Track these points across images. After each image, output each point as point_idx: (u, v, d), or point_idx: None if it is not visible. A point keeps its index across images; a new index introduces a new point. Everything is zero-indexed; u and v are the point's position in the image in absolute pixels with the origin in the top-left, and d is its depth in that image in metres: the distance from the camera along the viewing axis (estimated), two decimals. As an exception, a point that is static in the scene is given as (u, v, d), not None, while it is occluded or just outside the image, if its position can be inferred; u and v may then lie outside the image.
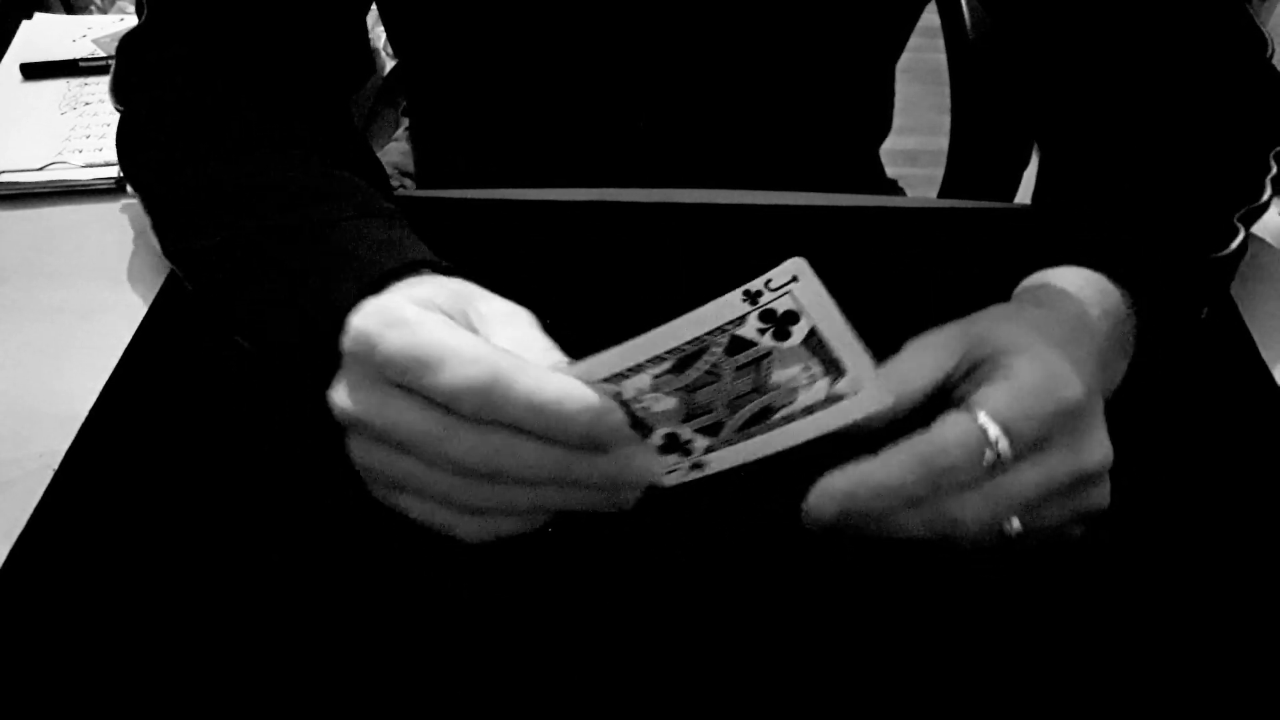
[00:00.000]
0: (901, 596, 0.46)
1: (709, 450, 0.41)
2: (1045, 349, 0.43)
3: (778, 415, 0.40)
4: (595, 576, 0.47)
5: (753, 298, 0.36)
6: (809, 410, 0.39)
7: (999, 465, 0.40)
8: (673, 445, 0.41)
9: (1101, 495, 0.43)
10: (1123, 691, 0.43)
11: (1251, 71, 0.60)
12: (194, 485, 0.50)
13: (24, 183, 0.69)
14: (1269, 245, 0.65)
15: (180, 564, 0.47)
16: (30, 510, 0.49)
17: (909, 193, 0.95)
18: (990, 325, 0.44)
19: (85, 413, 0.54)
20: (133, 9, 0.65)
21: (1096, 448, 0.42)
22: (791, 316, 0.37)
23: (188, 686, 0.43)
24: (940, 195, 1.02)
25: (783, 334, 0.37)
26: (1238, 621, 0.46)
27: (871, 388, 0.39)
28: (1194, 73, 0.60)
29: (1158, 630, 0.45)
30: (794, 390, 0.39)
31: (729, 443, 0.41)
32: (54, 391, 0.56)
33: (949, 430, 0.41)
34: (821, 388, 0.39)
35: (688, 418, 0.40)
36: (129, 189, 0.61)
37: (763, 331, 0.37)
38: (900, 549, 0.44)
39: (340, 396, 0.41)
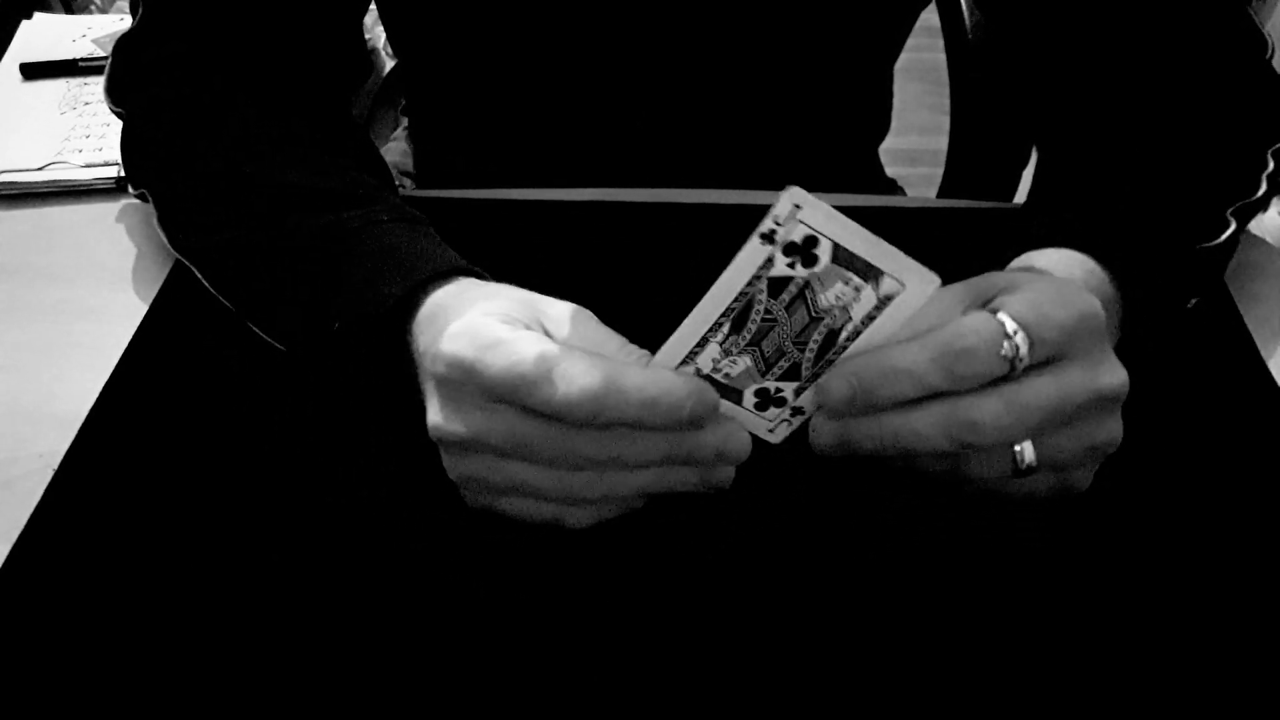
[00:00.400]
0: (902, 597, 0.46)
1: (799, 392, 0.43)
2: (1053, 277, 0.44)
3: (843, 336, 0.41)
4: (599, 579, 0.47)
5: (769, 237, 0.38)
6: (869, 319, 0.41)
7: (1017, 363, 0.41)
8: (766, 400, 0.43)
9: (1114, 427, 0.44)
10: (1120, 691, 0.43)
11: (1251, 72, 0.60)
12: (194, 485, 0.50)
13: (24, 183, 0.69)
14: (1269, 245, 0.65)
15: (180, 564, 0.47)
16: (30, 510, 0.49)
17: (908, 193, 0.95)
18: (1003, 274, 0.46)
19: (85, 413, 0.54)
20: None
21: (1113, 369, 0.43)
22: (811, 241, 0.38)
23: (188, 686, 0.43)
24: (939, 195, 1.02)
25: (810, 259, 0.39)
26: (1237, 621, 0.46)
27: (915, 277, 0.40)
28: (1193, 73, 0.60)
29: (1156, 629, 0.45)
30: (846, 308, 0.40)
31: (814, 378, 0.43)
32: (54, 391, 0.56)
33: (967, 321, 0.41)
34: (870, 296, 0.40)
35: (766, 370, 0.42)
36: (129, 189, 0.61)
37: (792, 264, 0.39)
38: (906, 527, 0.44)
39: (444, 421, 0.43)
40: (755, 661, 0.44)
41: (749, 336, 0.41)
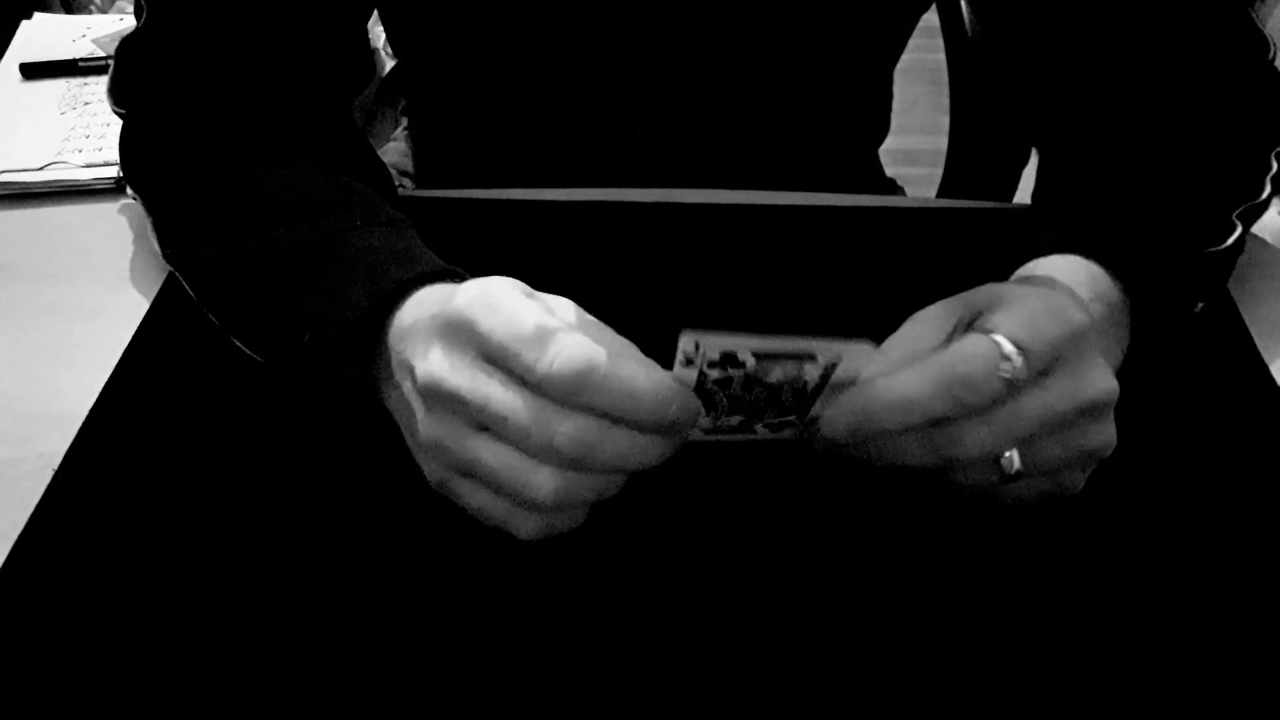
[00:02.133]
0: (903, 598, 0.46)
1: (805, 421, 0.44)
2: (1043, 289, 0.44)
3: (811, 388, 0.42)
4: (597, 580, 0.47)
5: (689, 360, 0.39)
6: (826, 376, 0.41)
7: (1015, 384, 0.41)
8: (778, 428, 0.44)
9: (1104, 434, 0.43)
10: (1122, 692, 0.43)
11: (1252, 73, 0.60)
12: (194, 485, 0.50)
13: (24, 182, 0.69)
14: (1269, 245, 0.65)
15: (180, 564, 0.47)
16: (30, 510, 0.49)
17: (909, 193, 0.95)
18: (985, 289, 0.46)
19: (85, 413, 0.54)
20: (132, 9, 0.65)
21: (1100, 378, 0.43)
22: (730, 355, 0.39)
23: (188, 686, 0.43)
24: (939, 195, 1.02)
25: (738, 363, 0.39)
26: (1237, 621, 0.46)
27: (846, 351, 0.40)
28: (1194, 75, 0.60)
29: (1156, 630, 0.45)
30: (799, 377, 0.41)
31: (808, 411, 0.43)
32: (54, 391, 0.56)
33: (964, 347, 0.41)
34: (813, 368, 0.40)
35: (760, 419, 0.43)
36: (129, 191, 0.61)
37: (724, 373, 0.40)
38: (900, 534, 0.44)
39: (434, 367, 0.42)
40: (754, 662, 0.44)
41: (725, 409, 0.41)
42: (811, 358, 0.40)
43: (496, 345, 0.40)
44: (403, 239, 0.52)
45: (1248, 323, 0.59)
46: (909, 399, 0.40)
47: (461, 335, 0.41)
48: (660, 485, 0.47)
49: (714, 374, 0.39)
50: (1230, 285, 0.60)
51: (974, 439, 0.41)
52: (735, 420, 0.42)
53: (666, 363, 0.41)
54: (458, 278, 0.48)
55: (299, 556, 0.48)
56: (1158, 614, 0.46)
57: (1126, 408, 0.45)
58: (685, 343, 0.39)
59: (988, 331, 0.41)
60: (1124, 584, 0.47)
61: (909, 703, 0.43)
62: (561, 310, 0.43)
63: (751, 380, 0.40)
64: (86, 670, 0.44)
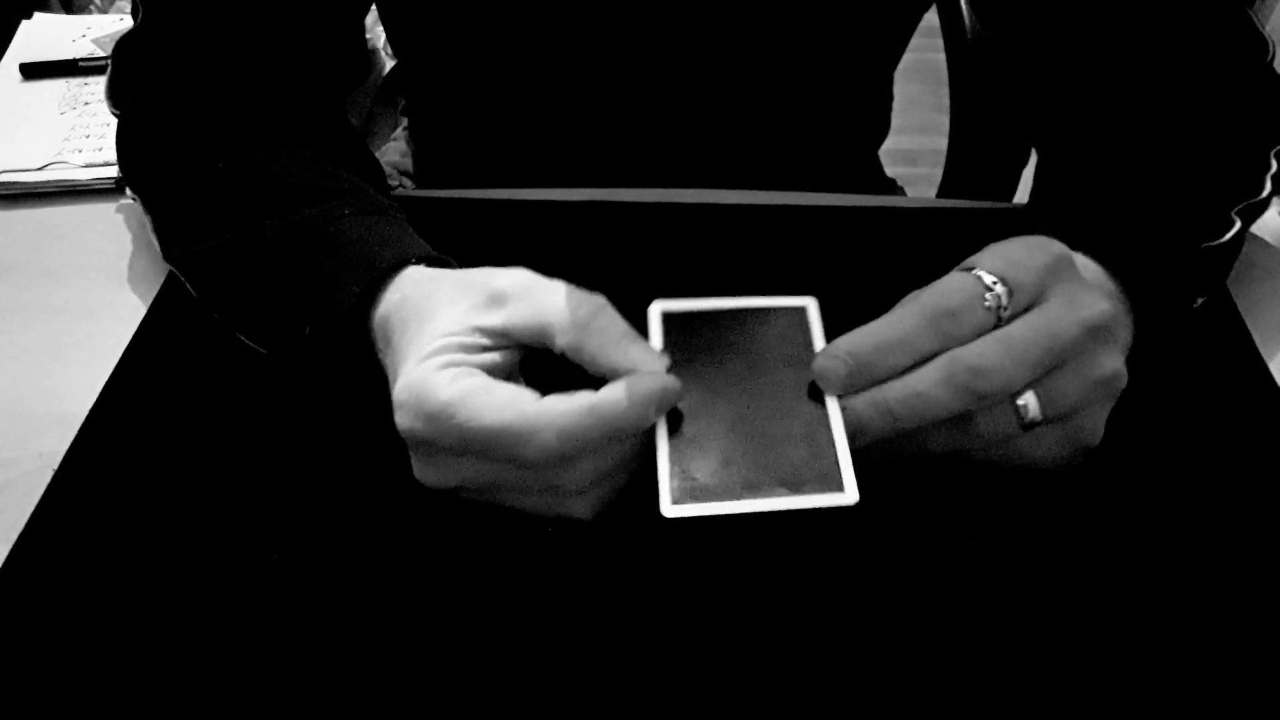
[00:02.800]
0: (902, 598, 0.46)
1: None
2: (1022, 237, 0.46)
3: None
4: (596, 579, 0.47)
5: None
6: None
7: (1001, 312, 0.42)
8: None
9: (1112, 361, 0.44)
10: (1121, 692, 0.43)
11: (1252, 73, 0.60)
12: (194, 485, 0.50)
13: (24, 182, 0.69)
14: (1269, 245, 0.65)
15: (180, 564, 0.47)
16: (30, 510, 0.49)
17: (909, 192, 0.95)
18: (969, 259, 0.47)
19: (85, 413, 0.54)
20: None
21: (1094, 300, 0.43)
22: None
23: (188, 686, 0.43)
24: (939, 195, 1.02)
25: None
26: (1238, 621, 0.46)
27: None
28: (1194, 75, 0.60)
29: (1156, 630, 0.45)
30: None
31: None
32: (54, 391, 0.56)
33: (945, 283, 0.43)
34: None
35: None
36: (129, 191, 0.61)
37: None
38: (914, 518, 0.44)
39: (428, 478, 0.44)
40: (754, 662, 0.44)
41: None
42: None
43: (475, 444, 0.41)
44: (393, 225, 0.53)
45: (1248, 323, 0.59)
46: (898, 339, 0.41)
47: (435, 445, 0.43)
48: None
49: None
50: (1230, 285, 0.60)
51: (992, 364, 0.41)
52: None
53: None
54: (440, 262, 0.50)
55: (299, 556, 0.48)
56: (1157, 613, 0.46)
57: (1127, 407, 0.45)
58: (654, 312, 0.43)
59: (968, 269, 0.43)
60: (1123, 583, 0.47)
61: (909, 703, 0.43)
62: (510, 289, 0.45)
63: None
64: (86, 670, 0.44)
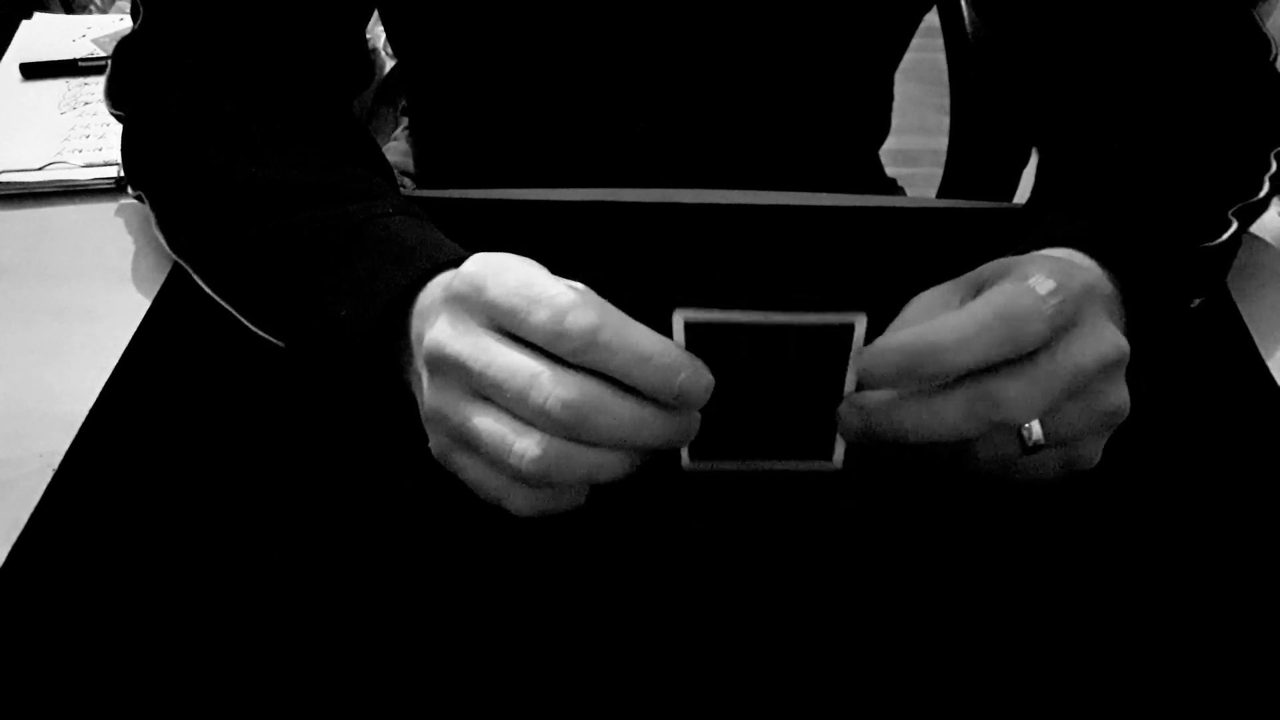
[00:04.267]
0: (903, 598, 0.46)
1: None
2: (1048, 256, 0.45)
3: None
4: (596, 578, 0.47)
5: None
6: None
7: (1054, 327, 0.40)
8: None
9: (1120, 395, 0.43)
10: (1120, 692, 0.43)
11: (1253, 73, 0.60)
12: (194, 485, 0.50)
13: (24, 182, 0.69)
14: (1269, 245, 0.65)
15: (180, 564, 0.47)
16: (30, 510, 0.49)
17: (909, 193, 0.95)
18: (992, 263, 0.46)
19: (85, 413, 0.54)
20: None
21: (1114, 335, 0.43)
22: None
23: (188, 686, 0.43)
24: (939, 195, 1.02)
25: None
26: (1237, 621, 0.46)
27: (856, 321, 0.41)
28: (1195, 74, 0.60)
29: (1156, 630, 0.45)
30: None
31: None
32: (54, 391, 0.56)
33: (1007, 286, 0.41)
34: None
35: None
36: (129, 189, 0.61)
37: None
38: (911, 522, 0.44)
39: (439, 334, 0.42)
40: (753, 661, 0.44)
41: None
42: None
43: (506, 308, 0.40)
44: (430, 230, 0.53)
45: (1248, 322, 0.59)
46: (962, 338, 0.40)
47: (469, 302, 0.42)
48: (658, 485, 0.47)
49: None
50: (1230, 285, 0.60)
51: (1016, 398, 0.40)
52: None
53: None
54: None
55: (299, 556, 0.48)
56: (1157, 613, 0.46)
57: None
58: (677, 321, 0.39)
59: (1023, 278, 0.41)
60: (1123, 583, 0.47)
61: (909, 702, 0.43)
62: (569, 282, 0.43)
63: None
64: (87, 670, 0.44)
